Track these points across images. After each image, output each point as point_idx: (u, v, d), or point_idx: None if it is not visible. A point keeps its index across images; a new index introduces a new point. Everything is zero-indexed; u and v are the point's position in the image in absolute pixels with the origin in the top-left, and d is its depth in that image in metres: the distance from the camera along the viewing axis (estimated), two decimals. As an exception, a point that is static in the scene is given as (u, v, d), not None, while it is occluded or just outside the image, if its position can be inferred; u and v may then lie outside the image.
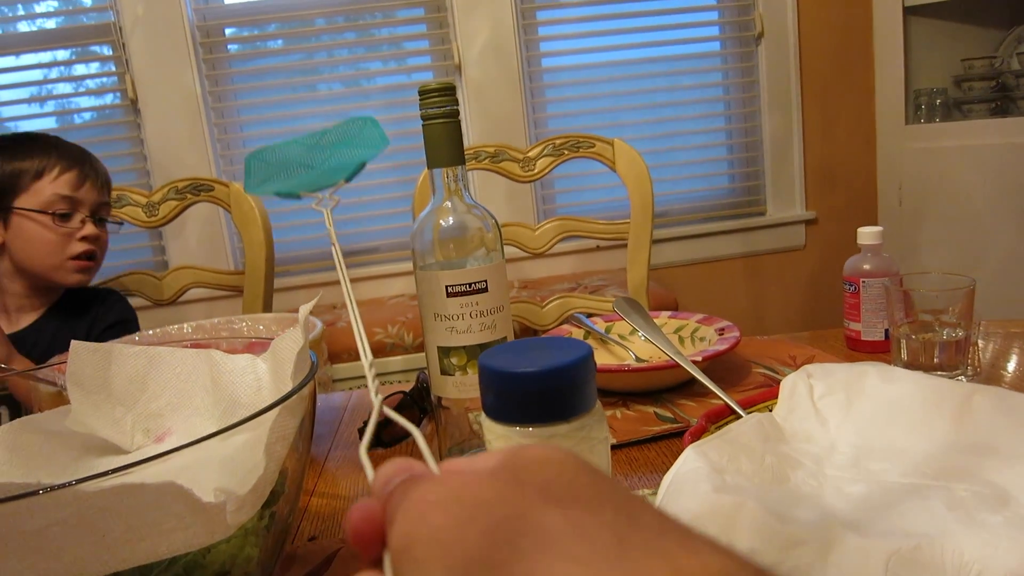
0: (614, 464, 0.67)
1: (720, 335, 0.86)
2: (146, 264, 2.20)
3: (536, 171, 1.49)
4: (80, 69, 2.22)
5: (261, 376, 0.59)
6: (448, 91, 0.62)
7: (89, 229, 1.20)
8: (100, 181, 1.24)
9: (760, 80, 2.36)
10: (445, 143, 0.62)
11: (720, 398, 0.63)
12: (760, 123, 2.39)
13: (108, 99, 2.22)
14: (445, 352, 0.63)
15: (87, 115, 2.23)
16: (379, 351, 1.80)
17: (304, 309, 0.54)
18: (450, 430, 0.66)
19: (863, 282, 0.90)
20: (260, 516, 0.47)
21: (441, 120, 0.62)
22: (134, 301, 1.37)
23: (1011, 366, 0.83)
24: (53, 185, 1.18)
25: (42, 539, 0.35)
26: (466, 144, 2.20)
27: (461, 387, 0.63)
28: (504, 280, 0.64)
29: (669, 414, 0.75)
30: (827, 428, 0.57)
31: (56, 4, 2.19)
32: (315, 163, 0.56)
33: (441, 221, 0.63)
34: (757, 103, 2.38)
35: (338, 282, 1.79)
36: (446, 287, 0.61)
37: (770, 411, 0.59)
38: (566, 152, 1.49)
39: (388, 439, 0.79)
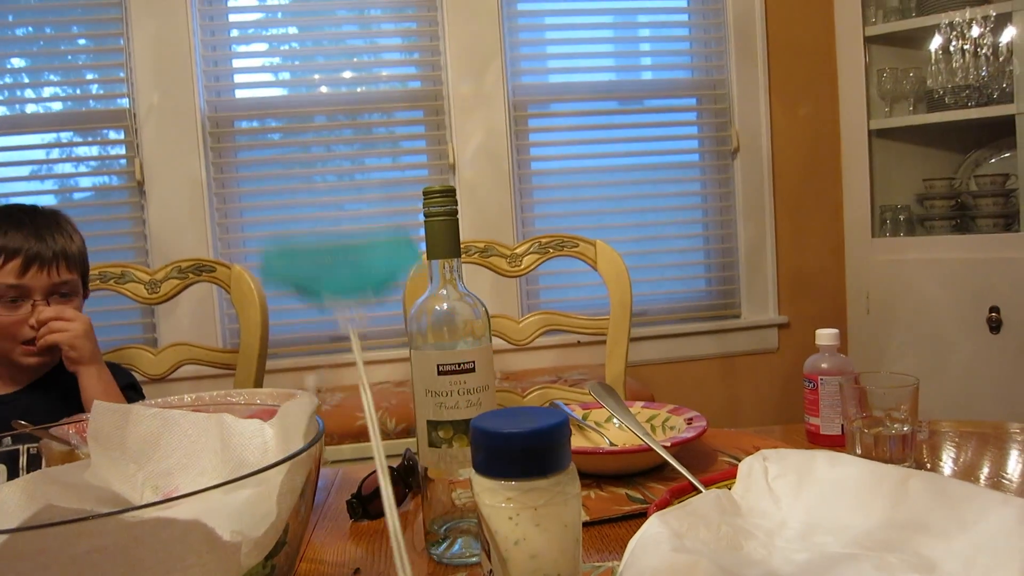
0: (587, 540, 0.72)
1: (688, 424, 0.93)
2: (136, 340, 2.24)
3: (522, 267, 1.57)
4: (94, 150, 2.33)
5: (268, 440, 0.65)
6: (449, 193, 0.70)
7: (40, 314, 1.20)
8: (54, 261, 1.22)
9: (736, 191, 2.51)
10: (444, 238, 0.70)
11: (684, 475, 0.69)
12: (735, 231, 2.52)
13: (115, 180, 2.32)
14: (434, 426, 0.68)
15: (93, 194, 2.32)
16: (362, 435, 1.83)
17: (310, 379, 0.60)
18: (434, 502, 0.71)
19: (821, 380, 0.98)
20: (264, 565, 0.52)
21: (441, 218, 0.70)
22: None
23: (953, 460, 0.90)
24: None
25: (83, 565, 0.40)
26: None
27: (447, 459, 0.69)
28: (490, 362, 0.70)
29: (639, 495, 0.81)
30: (779, 506, 0.63)
31: (78, 89, 2.32)
32: (341, 267, 0.52)
33: (436, 307, 0.70)
34: (733, 212, 2.52)
35: (327, 366, 1.83)
36: (437, 366, 0.68)
37: (729, 489, 0.65)
38: (551, 250, 1.58)
39: (374, 512, 0.83)
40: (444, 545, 0.70)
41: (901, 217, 2.49)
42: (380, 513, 0.83)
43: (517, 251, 1.58)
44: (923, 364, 2.29)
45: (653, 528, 0.53)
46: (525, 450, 0.42)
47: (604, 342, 1.55)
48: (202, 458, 0.65)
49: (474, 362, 0.68)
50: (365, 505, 0.83)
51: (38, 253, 1.21)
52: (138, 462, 0.65)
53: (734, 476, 0.68)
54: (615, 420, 1.01)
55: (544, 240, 1.58)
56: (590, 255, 1.56)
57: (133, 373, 1.41)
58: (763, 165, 2.50)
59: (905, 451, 0.85)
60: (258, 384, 1.44)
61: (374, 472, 0.87)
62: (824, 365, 0.98)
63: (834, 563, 0.52)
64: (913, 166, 2.53)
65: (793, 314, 2.54)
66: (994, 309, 2.18)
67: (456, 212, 0.71)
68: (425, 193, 0.70)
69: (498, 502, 0.42)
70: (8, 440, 0.71)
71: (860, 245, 2.51)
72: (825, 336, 1.00)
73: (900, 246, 2.43)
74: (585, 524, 0.75)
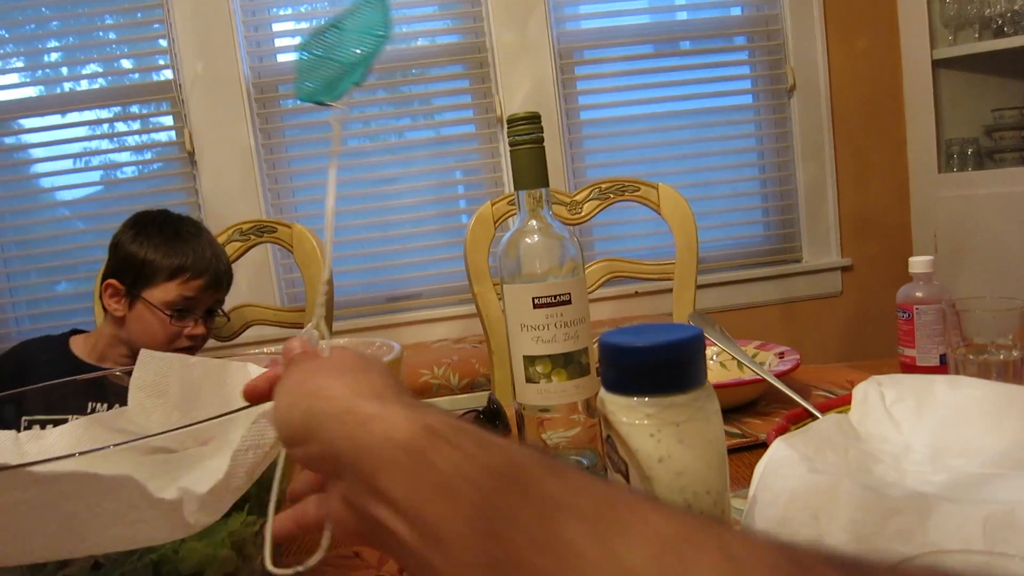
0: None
1: (780, 358, 0.89)
2: (197, 309, 2.27)
3: (583, 214, 1.54)
4: (143, 124, 2.34)
5: None
6: (534, 119, 0.67)
7: (199, 329, 1.31)
8: (222, 283, 1.34)
9: (793, 131, 2.42)
10: (530, 167, 0.68)
11: (794, 407, 0.66)
12: (794, 172, 2.44)
13: (167, 151, 2.33)
14: (531, 361, 0.66)
15: (146, 167, 2.34)
16: (425, 392, 1.84)
17: (309, 327, 0.58)
18: (531, 438, 0.69)
19: (917, 309, 0.93)
20: (250, 523, 0.49)
21: (527, 146, 0.67)
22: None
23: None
24: (181, 288, 1.28)
25: (13, 515, 0.39)
26: (508, 191, 2.25)
27: (545, 394, 0.67)
28: (585, 294, 0.68)
29: (737, 430, 0.78)
30: (900, 431, 0.60)
31: (123, 63, 2.33)
32: (337, 55, 0.53)
33: (527, 239, 0.68)
34: (791, 153, 2.44)
35: (385, 327, 1.83)
36: (533, 299, 0.65)
37: (845, 415, 0.62)
38: (612, 196, 1.54)
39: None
40: (543, 484, 0.68)
41: (969, 151, 2.37)
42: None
43: (577, 198, 1.54)
44: (998, 301, 2.21)
45: (781, 451, 0.50)
46: (663, 363, 0.39)
47: (662, 291, 1.52)
48: (235, 407, 0.63)
49: (570, 294, 0.65)
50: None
51: (217, 278, 1.32)
52: (181, 410, 0.64)
53: (847, 403, 0.64)
54: (718, 345, 0.98)
55: (604, 185, 1.54)
56: (653, 199, 1.52)
57: None
58: (821, 102, 2.40)
59: (1017, 378, 0.81)
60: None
61: (464, 414, 0.85)
62: (919, 294, 0.94)
63: (979, 482, 0.49)
64: (981, 96, 2.40)
65: (856, 256, 2.46)
66: (1071, 241, 2.08)
67: (542, 139, 0.68)
68: (509, 121, 0.67)
69: (636, 419, 0.40)
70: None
71: (926, 181, 2.41)
72: (919, 263, 0.95)
73: (968, 181, 2.33)
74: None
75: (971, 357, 0.83)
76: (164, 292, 1.28)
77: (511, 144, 0.67)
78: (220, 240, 1.48)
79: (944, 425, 0.59)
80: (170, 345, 1.28)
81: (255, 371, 0.65)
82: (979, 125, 2.39)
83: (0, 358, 1.35)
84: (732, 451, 0.73)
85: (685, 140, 2.42)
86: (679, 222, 1.49)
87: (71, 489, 0.40)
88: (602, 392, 0.42)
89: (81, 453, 0.42)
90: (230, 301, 2.19)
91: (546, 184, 0.68)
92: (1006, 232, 2.20)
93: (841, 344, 2.48)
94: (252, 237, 1.49)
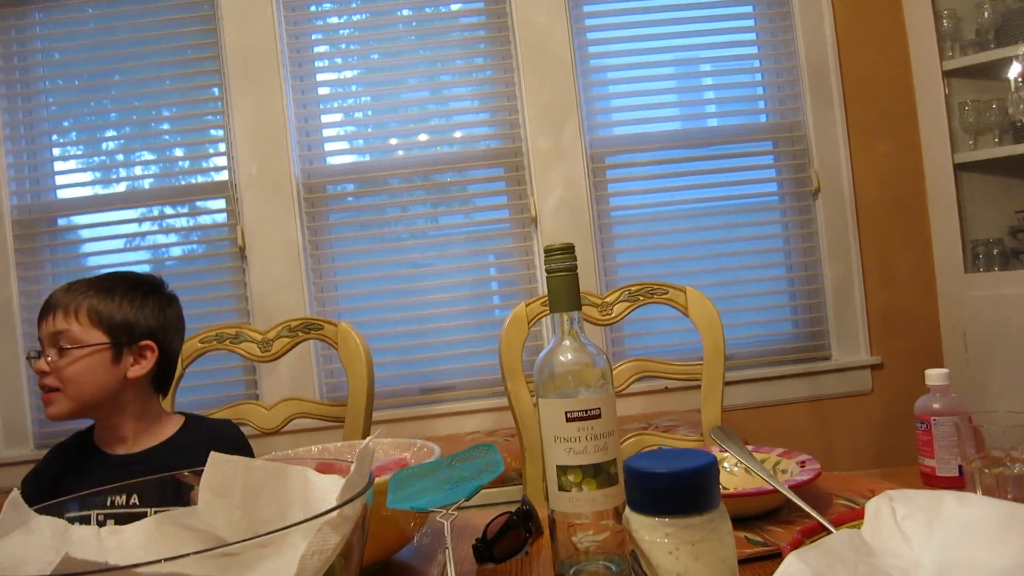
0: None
1: (802, 467, 0.93)
2: (239, 396, 2.36)
3: (613, 315, 1.61)
4: (200, 220, 2.50)
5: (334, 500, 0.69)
6: (568, 250, 0.75)
7: (37, 365, 1.21)
8: (52, 311, 1.20)
9: (819, 231, 2.49)
10: (564, 292, 0.75)
11: (813, 517, 0.70)
12: (821, 271, 2.50)
13: (219, 247, 2.48)
14: (563, 470, 0.72)
15: (200, 261, 2.49)
16: (458, 484, 1.87)
17: (367, 442, 0.65)
18: (563, 545, 0.74)
19: (934, 420, 0.97)
20: None
21: (562, 273, 0.75)
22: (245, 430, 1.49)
23: (1085, 502, 0.87)
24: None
25: None
26: (542, 289, 2.34)
27: (576, 502, 0.72)
28: (614, 408, 0.74)
29: (759, 538, 0.82)
30: (911, 546, 0.64)
31: (187, 164, 2.51)
32: (443, 484, 0.70)
33: (561, 357, 0.74)
34: (817, 253, 2.50)
35: (420, 418, 1.89)
36: (566, 413, 0.71)
37: (858, 530, 0.66)
38: (641, 298, 1.61)
39: (500, 555, 0.86)
40: (575, 587, 0.73)
41: (994, 251, 2.42)
42: (507, 556, 0.86)
43: (607, 300, 1.62)
44: (1031, 402, 2.20)
45: (794, 567, 0.55)
46: (682, 488, 0.45)
47: (692, 388, 1.56)
48: (294, 509, 0.69)
49: (600, 408, 0.72)
50: (491, 548, 0.86)
51: (47, 304, 1.21)
52: (243, 509, 0.70)
53: (861, 517, 0.69)
54: (725, 464, 1.03)
55: (634, 288, 1.61)
56: (680, 302, 1.58)
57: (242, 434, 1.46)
58: (846, 204, 2.48)
59: (1030, 491, 0.84)
60: (365, 434, 1.50)
61: (498, 516, 0.91)
62: (936, 405, 0.98)
63: (979, 600, 0.53)
64: (1003, 198, 2.47)
65: (886, 355, 2.48)
66: (1103, 343, 2.08)
67: (575, 267, 0.75)
68: (546, 251, 0.75)
69: (656, 538, 0.45)
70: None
71: (952, 281, 2.45)
72: (935, 376, 0.99)
73: (995, 281, 2.36)
74: (709, 566, 0.77)
75: (986, 471, 0.86)
76: None
77: (548, 271, 0.75)
78: (270, 336, 1.57)
79: (952, 542, 0.63)
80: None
81: (313, 476, 0.71)
82: (1003, 226, 2.44)
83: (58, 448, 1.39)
84: (753, 559, 0.77)
85: (714, 240, 2.51)
86: (706, 325, 1.55)
87: None
88: (627, 511, 0.48)
89: (166, 560, 0.48)
90: (269, 391, 2.29)
91: (578, 308, 0.75)
92: (1036, 332, 2.21)
93: (873, 443, 2.47)
94: (300, 334, 1.57)
